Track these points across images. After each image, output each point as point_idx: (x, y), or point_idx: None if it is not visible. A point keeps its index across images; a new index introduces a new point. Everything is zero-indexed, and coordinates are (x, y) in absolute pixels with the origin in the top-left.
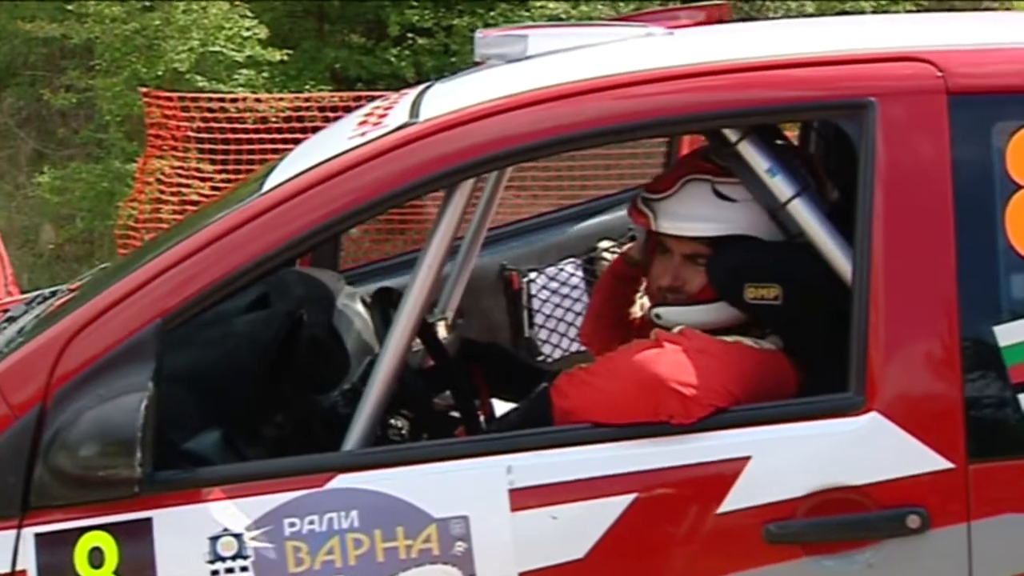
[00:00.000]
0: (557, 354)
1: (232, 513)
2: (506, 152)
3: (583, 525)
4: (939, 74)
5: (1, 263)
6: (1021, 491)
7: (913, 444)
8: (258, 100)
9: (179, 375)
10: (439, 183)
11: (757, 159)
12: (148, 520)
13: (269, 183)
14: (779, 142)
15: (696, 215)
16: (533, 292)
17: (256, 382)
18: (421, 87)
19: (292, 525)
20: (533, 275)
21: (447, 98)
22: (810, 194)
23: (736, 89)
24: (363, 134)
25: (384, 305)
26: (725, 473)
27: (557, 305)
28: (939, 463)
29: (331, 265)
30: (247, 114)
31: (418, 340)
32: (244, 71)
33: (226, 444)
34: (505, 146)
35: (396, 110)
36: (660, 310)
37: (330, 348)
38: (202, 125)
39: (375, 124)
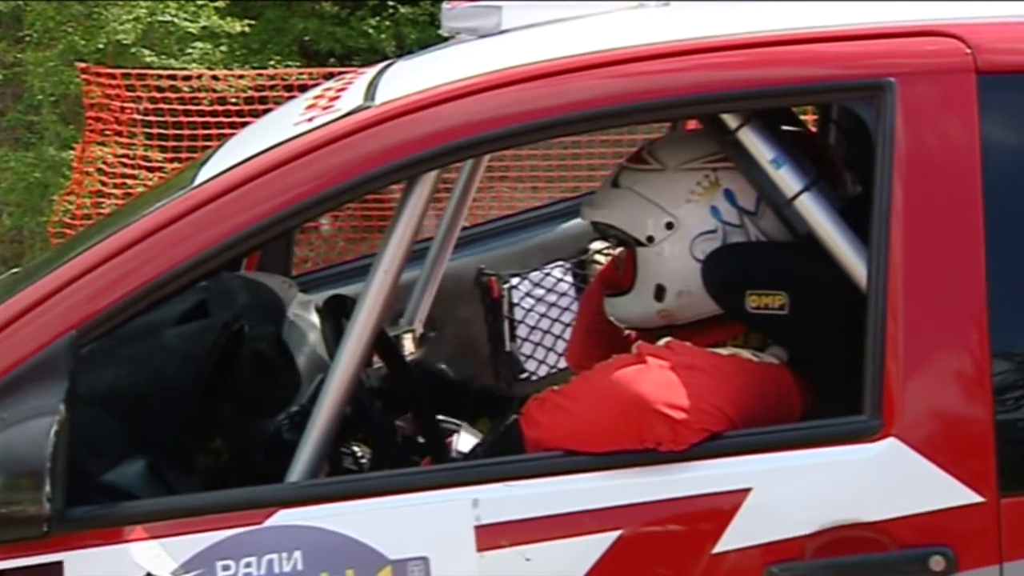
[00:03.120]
0: (543, 371)
1: (156, 555)
2: (474, 140)
3: (560, 567)
4: (967, 51)
5: None
6: None
7: (937, 474)
8: (215, 78)
9: (99, 396)
10: (397, 175)
11: (760, 148)
12: (59, 564)
13: (202, 176)
14: (789, 128)
15: (594, 200)
16: (515, 300)
17: (188, 404)
18: (380, 66)
19: (226, 568)
20: (515, 281)
21: (408, 78)
22: (820, 188)
23: (737, 68)
24: (311, 119)
25: (336, 316)
26: (721, 507)
27: (543, 315)
28: (967, 496)
29: (282, 269)
30: (202, 94)
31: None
32: (199, 44)
33: (153, 475)
34: (472, 133)
35: (349, 92)
36: (607, 301)
37: (277, 365)
38: (150, 106)
39: (325, 108)
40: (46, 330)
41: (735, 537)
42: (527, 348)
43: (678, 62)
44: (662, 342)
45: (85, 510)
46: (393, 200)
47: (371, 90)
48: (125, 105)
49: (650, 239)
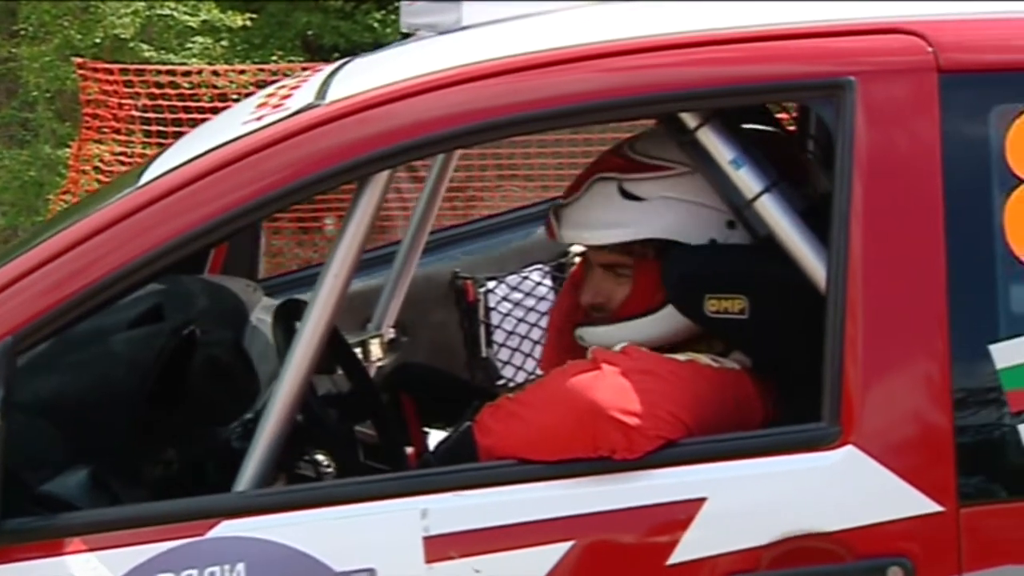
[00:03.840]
0: (520, 377)
1: (94, 567)
2: (425, 139)
3: None
4: (929, 49)
5: None
6: (1021, 538)
7: (896, 483)
8: (215, 73)
9: (43, 403)
10: (346, 175)
11: (720, 149)
12: None
13: (147, 175)
14: (754, 128)
15: (598, 220)
16: (492, 304)
17: (135, 411)
18: (336, 64)
19: None
20: (492, 284)
21: (362, 76)
22: (781, 189)
23: (694, 66)
24: (259, 118)
25: (288, 321)
26: (676, 517)
27: (520, 320)
28: (926, 506)
29: (247, 272)
30: (202, 90)
31: None
32: (199, 38)
33: (96, 485)
34: (423, 132)
35: (302, 90)
36: (582, 330)
37: (234, 371)
38: (148, 103)
39: (275, 107)
40: None
41: (690, 548)
42: (504, 354)
43: (634, 60)
44: (618, 347)
45: (21, 522)
46: (397, 197)
47: (324, 88)
48: (123, 101)
49: (713, 242)
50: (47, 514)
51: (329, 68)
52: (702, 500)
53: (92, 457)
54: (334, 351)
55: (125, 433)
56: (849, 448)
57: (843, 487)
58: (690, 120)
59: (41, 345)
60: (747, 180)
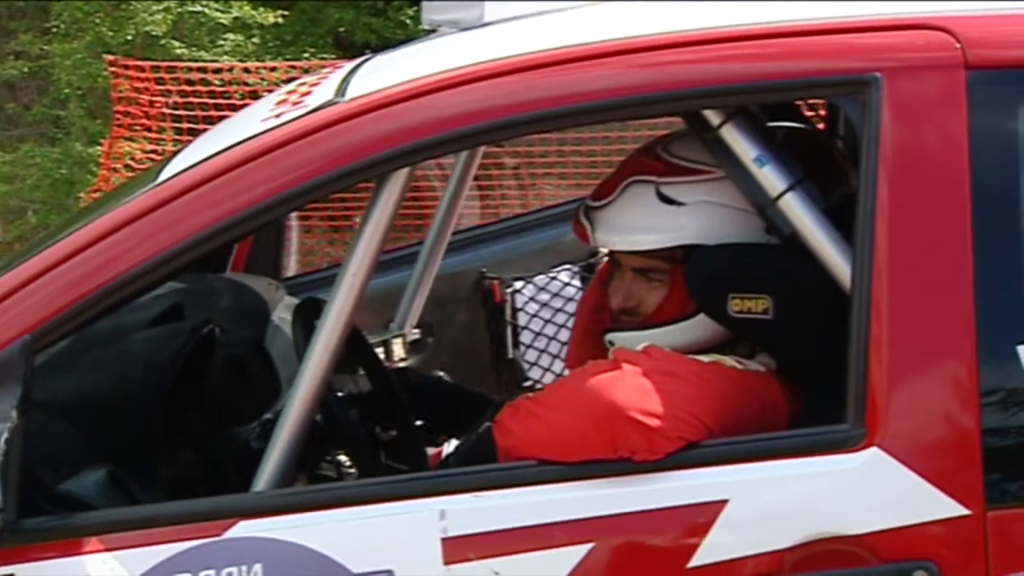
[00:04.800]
0: (548, 379)
1: (111, 567)
2: (443, 137)
3: None
4: (957, 45)
5: None
6: None
7: (921, 486)
8: (247, 71)
9: (61, 403)
10: (364, 173)
11: (743, 146)
12: None
13: (166, 173)
14: (782, 125)
15: (635, 225)
16: (519, 305)
17: (152, 411)
18: (357, 61)
19: None
20: (519, 285)
21: (383, 73)
22: (806, 188)
23: (717, 63)
24: (278, 115)
25: (307, 320)
26: (697, 520)
27: (548, 321)
28: (952, 509)
29: (271, 271)
30: (234, 87)
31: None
32: (230, 35)
33: (113, 485)
34: (441, 130)
35: (321, 87)
36: (612, 335)
37: (254, 371)
38: (180, 100)
39: (295, 104)
40: None
41: (711, 551)
42: (531, 355)
43: (656, 56)
44: (640, 347)
45: (39, 521)
46: (424, 193)
47: (343, 85)
48: (154, 99)
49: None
50: (65, 513)
51: (350, 65)
52: (724, 502)
53: (110, 457)
54: (354, 351)
55: (142, 433)
56: (874, 450)
57: (867, 490)
58: (713, 117)
59: (59, 343)
60: (771, 178)
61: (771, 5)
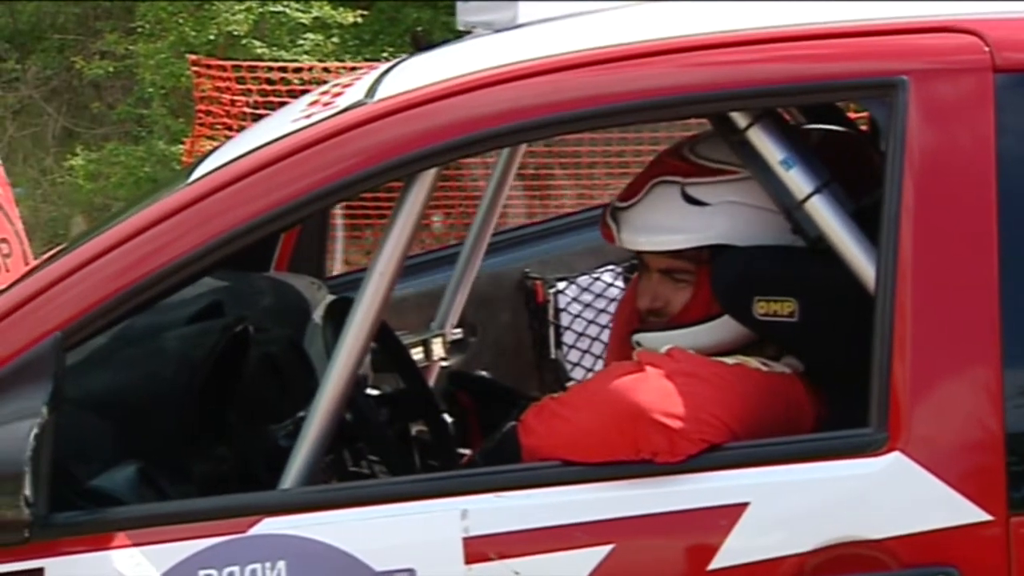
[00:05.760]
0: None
1: (138, 562)
2: (473, 137)
3: None
4: (985, 48)
5: (26, 262)
6: None
7: (944, 491)
8: (326, 70)
9: (94, 399)
10: (392, 173)
11: (770, 148)
12: (39, 571)
13: (198, 172)
14: (826, 127)
15: (661, 225)
16: (562, 305)
17: (183, 409)
18: (393, 62)
19: None
20: (562, 285)
21: (416, 74)
22: (833, 190)
23: (745, 65)
24: (309, 116)
25: (337, 320)
26: (718, 522)
27: (591, 321)
28: (975, 514)
29: (314, 270)
30: (313, 86)
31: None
32: (310, 35)
33: (144, 481)
34: (472, 130)
35: (353, 89)
36: (639, 336)
37: (291, 369)
38: (260, 99)
39: (326, 104)
40: (30, 330)
41: (731, 553)
42: (574, 356)
43: (686, 58)
44: (663, 349)
45: (68, 516)
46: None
47: (374, 86)
48: (235, 98)
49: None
50: (94, 508)
51: (384, 66)
52: (745, 505)
53: (142, 453)
54: (386, 350)
55: (174, 430)
56: (896, 455)
57: (889, 494)
58: (740, 120)
59: (91, 340)
60: (798, 181)
61: (799, 7)
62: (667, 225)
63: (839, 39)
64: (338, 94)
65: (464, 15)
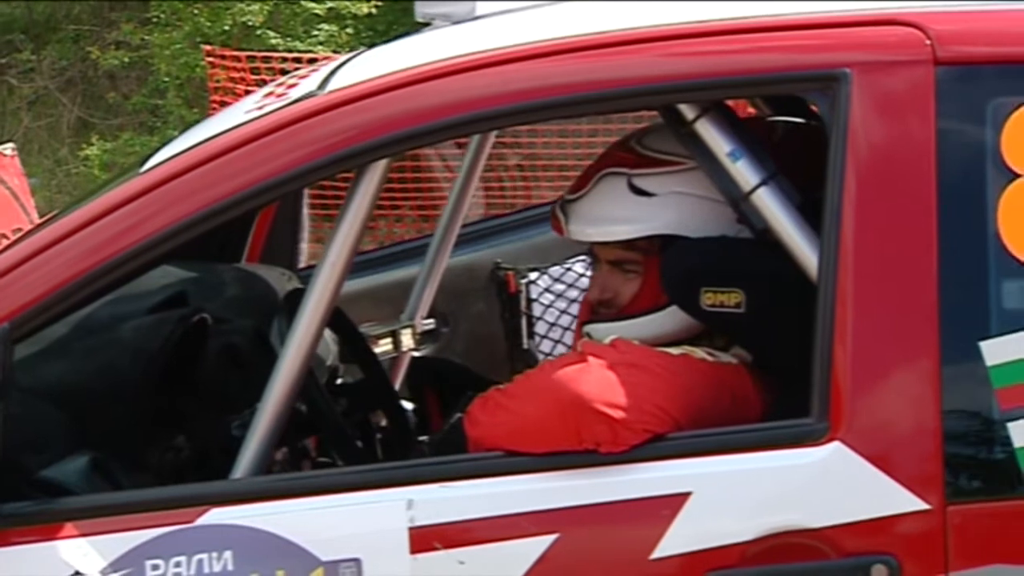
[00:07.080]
0: None
1: (85, 553)
2: (422, 129)
3: (495, 570)
4: (927, 41)
5: None
6: (1008, 537)
7: (882, 481)
8: None
9: (49, 389)
10: (342, 164)
11: (717, 140)
12: None
13: (151, 162)
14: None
15: (607, 216)
16: (534, 296)
17: (139, 399)
18: (349, 55)
19: (155, 568)
20: (534, 276)
21: (368, 66)
22: (779, 182)
23: (689, 58)
24: (261, 108)
25: (292, 311)
26: (660, 511)
27: (563, 311)
28: (912, 503)
29: (287, 260)
30: None
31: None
32: (325, 26)
33: (96, 472)
34: (420, 121)
35: (307, 80)
36: (590, 327)
37: (252, 359)
38: None
39: (279, 96)
40: None
41: (674, 543)
42: (546, 346)
43: (627, 51)
44: (607, 340)
45: (16, 506)
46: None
47: (327, 78)
48: (250, 88)
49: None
50: (43, 499)
51: (341, 59)
52: (687, 495)
53: (97, 443)
54: (344, 340)
55: (129, 420)
56: (836, 444)
57: (829, 484)
58: (688, 112)
59: (46, 330)
60: (744, 172)
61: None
62: (614, 216)
63: (783, 32)
64: (292, 85)
65: (422, 8)
